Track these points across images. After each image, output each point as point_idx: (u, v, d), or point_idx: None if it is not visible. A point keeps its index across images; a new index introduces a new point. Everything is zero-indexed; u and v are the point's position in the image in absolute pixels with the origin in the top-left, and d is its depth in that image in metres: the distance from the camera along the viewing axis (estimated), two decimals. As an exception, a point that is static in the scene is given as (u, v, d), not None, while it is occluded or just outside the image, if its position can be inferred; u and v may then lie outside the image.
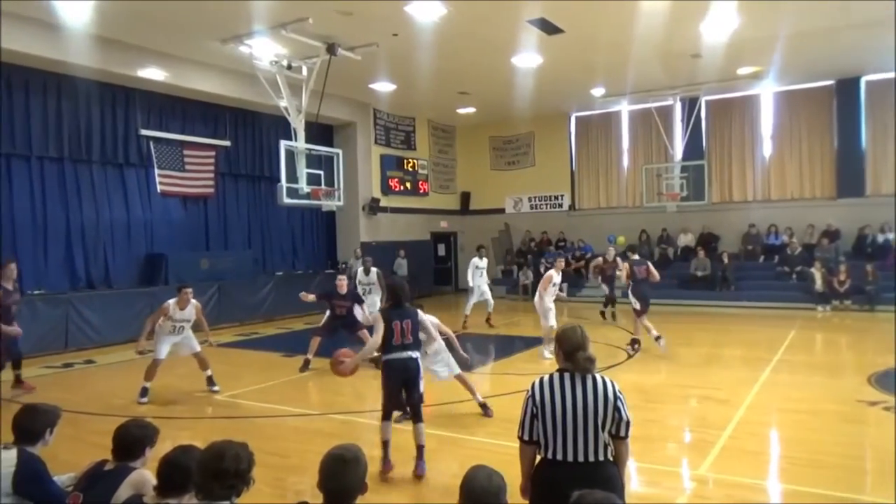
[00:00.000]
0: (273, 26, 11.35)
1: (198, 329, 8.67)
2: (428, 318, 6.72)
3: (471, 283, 14.06)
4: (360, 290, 11.42)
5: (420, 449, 5.46)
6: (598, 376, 3.11)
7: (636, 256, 11.44)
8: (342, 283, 10.01)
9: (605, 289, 14.44)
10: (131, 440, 3.23)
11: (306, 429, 6.76)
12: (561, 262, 11.45)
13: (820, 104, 17.93)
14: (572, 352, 3.10)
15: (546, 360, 10.12)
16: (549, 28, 12.20)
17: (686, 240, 19.25)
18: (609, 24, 12.01)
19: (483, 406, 7.13)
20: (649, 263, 11.26)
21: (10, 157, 12.26)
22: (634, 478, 5.25)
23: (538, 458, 3.17)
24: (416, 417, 5.52)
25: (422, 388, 5.58)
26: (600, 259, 13.36)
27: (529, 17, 11.70)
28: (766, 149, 18.88)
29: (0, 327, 8.19)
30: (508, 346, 11.78)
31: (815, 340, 12.55)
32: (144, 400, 8.12)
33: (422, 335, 6.48)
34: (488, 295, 14.06)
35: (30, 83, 12.31)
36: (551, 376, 3.14)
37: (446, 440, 6.35)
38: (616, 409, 3.05)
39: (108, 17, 11.03)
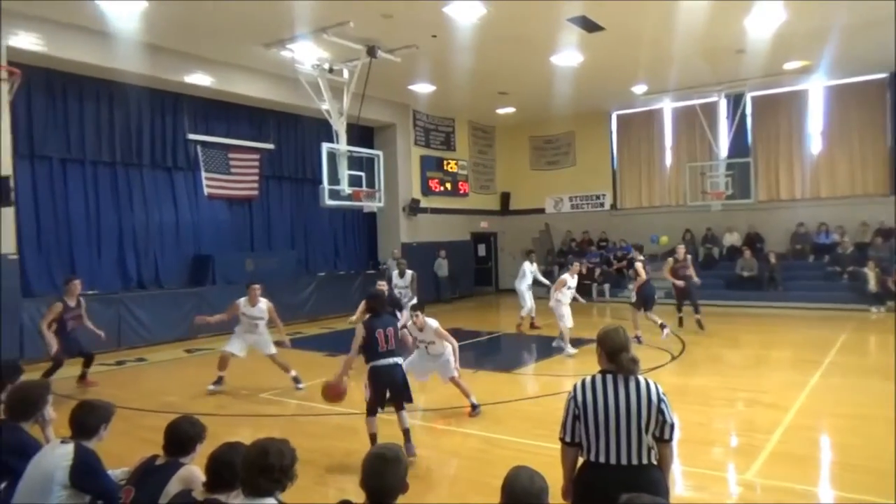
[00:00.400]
0: (315, 30, 11.52)
1: (272, 327, 9.00)
2: (434, 325, 7.04)
3: (525, 289, 13.63)
4: (396, 293, 11.48)
5: (406, 432, 5.84)
6: (641, 378, 3.07)
7: (643, 256, 12.34)
8: (382, 288, 10.06)
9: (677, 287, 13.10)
10: (183, 437, 3.33)
11: (349, 427, 6.84)
12: (576, 267, 11.89)
13: (873, 98, 17.30)
14: (615, 353, 3.07)
15: (569, 358, 10.54)
16: (589, 26, 12.08)
17: (732, 239, 18.83)
18: (651, 20, 11.83)
19: (473, 406, 7.28)
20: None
21: (65, 161, 12.73)
22: (679, 482, 5.17)
23: (580, 460, 3.15)
24: (398, 408, 5.89)
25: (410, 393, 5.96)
26: (671, 260, 12.97)
27: (570, 16, 11.61)
28: (816, 145, 18.33)
29: (44, 336, 8.62)
30: (550, 347, 11.71)
31: (869, 343, 12.14)
32: (213, 388, 8.55)
33: (432, 337, 7.01)
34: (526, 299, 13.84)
35: (84, 90, 12.75)
36: (593, 378, 3.12)
37: (488, 441, 6.36)
38: (660, 411, 3.01)
39: (156, 25, 11.36)
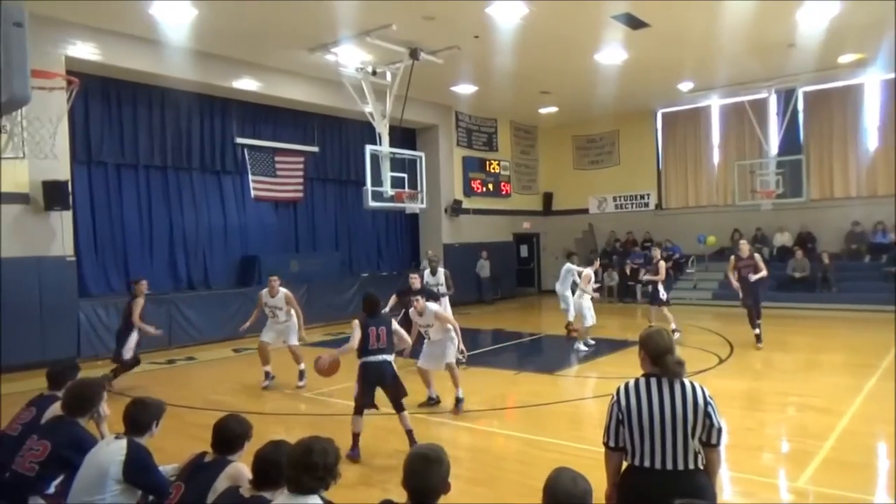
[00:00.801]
0: (358, 34, 11.66)
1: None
2: (434, 308, 7.46)
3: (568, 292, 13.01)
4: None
5: (409, 433, 6.03)
6: (686, 381, 3.02)
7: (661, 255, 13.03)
8: (415, 279, 10.16)
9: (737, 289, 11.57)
10: (231, 435, 3.40)
11: (393, 428, 6.89)
12: (597, 263, 12.72)
13: (934, 91, 16.62)
14: (660, 356, 3.02)
15: (582, 352, 11.10)
16: (634, 23, 11.91)
17: (783, 239, 18.30)
18: (697, 15, 11.59)
19: (458, 400, 7.42)
20: None
21: (120, 167, 13.17)
22: (728, 488, 5.05)
23: (625, 464, 3.11)
24: (398, 408, 6.08)
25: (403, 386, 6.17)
26: (733, 258, 11.74)
27: (614, 13, 11.46)
28: (872, 141, 17.69)
29: (145, 329, 9.15)
30: (592, 349, 11.57)
31: (930, 346, 11.63)
32: (267, 384, 8.95)
33: (431, 321, 7.36)
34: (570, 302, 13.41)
35: (137, 97, 13.17)
36: (637, 381, 3.07)
37: (529, 442, 6.33)
38: (707, 415, 2.95)
39: (205, 32, 11.66)
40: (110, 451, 3.48)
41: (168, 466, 3.81)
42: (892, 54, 14.51)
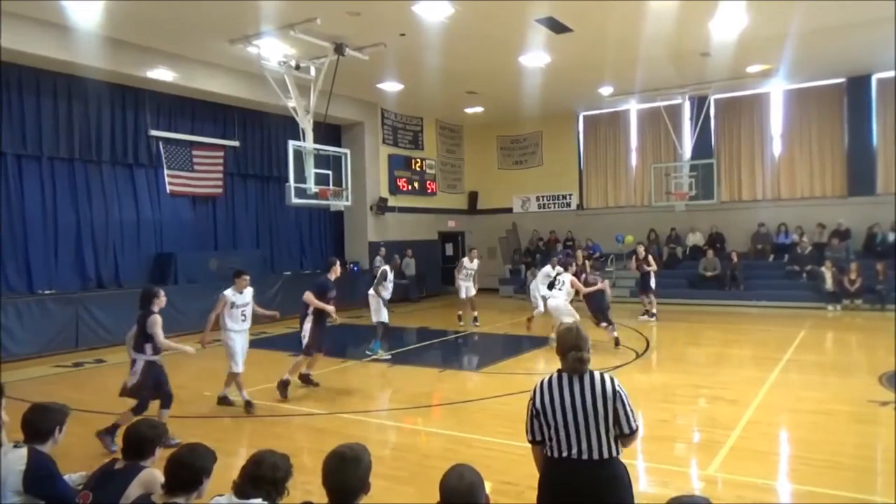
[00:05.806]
0: (281, 27, 11.38)
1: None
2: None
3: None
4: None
5: None
6: (597, 374, 3.11)
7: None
8: (336, 268, 9.08)
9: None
10: (142, 440, 3.25)
11: (315, 428, 6.78)
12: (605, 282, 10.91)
13: (830, 102, 17.80)
14: (565, 352, 3.13)
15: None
16: (557, 27, 12.17)
17: (695, 239, 19.18)
18: (618, 22, 11.96)
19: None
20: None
21: (21, 157, 12.34)
22: (642, 477, 5.23)
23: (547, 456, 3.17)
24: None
25: None
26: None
27: (538, 16, 11.67)
28: (776, 147, 18.77)
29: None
30: (517, 345, 11.77)
31: (826, 340, 12.47)
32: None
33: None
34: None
35: (41, 84, 12.38)
36: (552, 377, 3.16)
37: (455, 439, 6.35)
38: (614, 409, 3.01)
39: (118, 18, 11.09)
40: (9, 460, 3.26)
41: (75, 475, 3.62)
42: (793, 65, 15.47)
